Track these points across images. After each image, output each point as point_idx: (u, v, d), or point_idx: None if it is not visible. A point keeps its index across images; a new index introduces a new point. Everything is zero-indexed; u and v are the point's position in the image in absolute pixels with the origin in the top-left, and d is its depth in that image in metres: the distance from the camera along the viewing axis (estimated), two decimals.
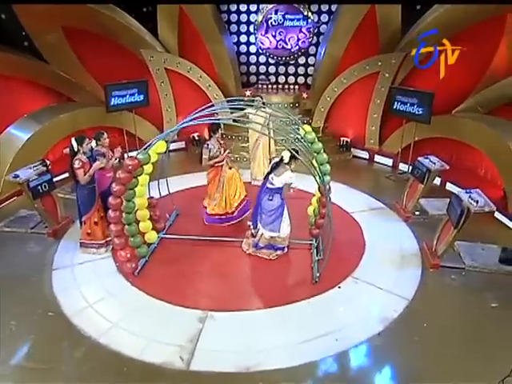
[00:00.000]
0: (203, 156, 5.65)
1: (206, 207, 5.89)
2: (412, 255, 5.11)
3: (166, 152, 5.76)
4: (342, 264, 4.94)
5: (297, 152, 4.64)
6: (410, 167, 6.68)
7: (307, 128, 5.37)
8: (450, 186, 7.05)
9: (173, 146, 9.45)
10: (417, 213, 6.11)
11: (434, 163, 5.72)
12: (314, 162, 5.21)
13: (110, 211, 4.43)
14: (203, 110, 5.40)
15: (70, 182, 6.48)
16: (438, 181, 7.16)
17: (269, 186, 4.90)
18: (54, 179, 7.18)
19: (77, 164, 5.01)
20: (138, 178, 4.72)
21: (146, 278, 4.73)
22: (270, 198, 4.89)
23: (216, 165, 5.67)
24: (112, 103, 7.87)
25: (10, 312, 4.17)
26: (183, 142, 9.48)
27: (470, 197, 4.54)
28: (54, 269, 4.92)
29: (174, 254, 5.22)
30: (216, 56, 9.18)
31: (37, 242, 5.52)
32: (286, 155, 4.70)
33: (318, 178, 4.97)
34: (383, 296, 4.38)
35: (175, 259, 5.10)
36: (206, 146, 5.66)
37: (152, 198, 5.60)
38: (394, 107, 7.47)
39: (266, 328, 3.98)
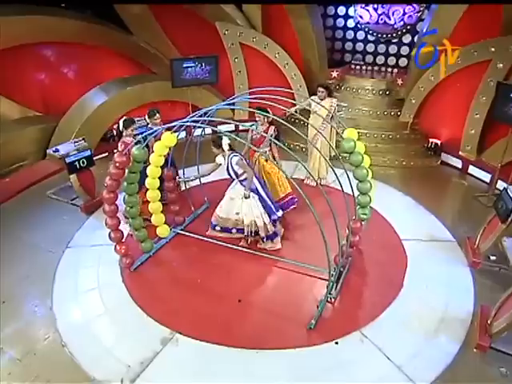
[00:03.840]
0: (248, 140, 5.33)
1: None
2: (457, 320, 3.79)
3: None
4: (356, 311, 3.97)
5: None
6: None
7: (350, 133, 4.24)
8: None
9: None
10: (492, 257, 4.57)
11: None
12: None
13: (105, 205, 4.21)
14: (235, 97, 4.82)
15: None
16: None
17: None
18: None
19: (119, 146, 4.97)
20: (149, 168, 4.44)
21: (138, 276, 4.48)
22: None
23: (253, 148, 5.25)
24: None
25: (10, 278, 4.39)
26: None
27: None
28: (69, 246, 5.01)
29: (180, 254, 4.88)
30: (300, 31, 8.21)
31: (71, 214, 5.72)
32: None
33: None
34: (388, 373, 3.29)
35: (178, 261, 4.76)
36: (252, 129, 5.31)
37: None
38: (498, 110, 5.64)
39: (225, 372, 3.35)
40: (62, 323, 3.86)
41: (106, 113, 7.49)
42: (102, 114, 7.45)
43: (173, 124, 4.03)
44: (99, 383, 3.28)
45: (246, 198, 4.55)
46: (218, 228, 4.93)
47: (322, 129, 5.82)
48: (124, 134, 5.04)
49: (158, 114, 5.43)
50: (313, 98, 6.05)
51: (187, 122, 3.97)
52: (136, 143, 4.09)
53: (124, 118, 5.18)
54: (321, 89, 5.98)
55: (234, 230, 4.85)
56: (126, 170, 4.11)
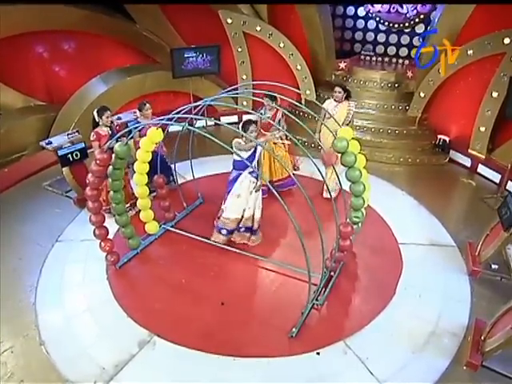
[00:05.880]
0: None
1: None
2: (449, 334, 3.58)
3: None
4: (342, 319, 3.79)
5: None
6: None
7: (345, 132, 3.94)
8: None
9: None
10: (494, 266, 4.31)
11: None
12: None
13: (89, 202, 4.11)
14: (228, 91, 4.65)
15: None
16: None
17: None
18: None
19: (91, 136, 4.96)
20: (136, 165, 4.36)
21: (123, 274, 4.40)
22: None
23: (261, 132, 5.23)
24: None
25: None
26: None
27: None
28: (58, 240, 4.95)
29: (168, 251, 4.76)
30: (306, 20, 7.89)
31: (64, 206, 5.65)
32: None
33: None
34: None
35: (165, 259, 4.65)
36: (259, 114, 5.20)
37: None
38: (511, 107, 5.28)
39: (199, 379, 3.23)
40: (43, 320, 3.81)
41: (106, 103, 7.28)
42: (102, 104, 7.32)
43: (162, 118, 3.88)
44: None
45: (257, 191, 4.45)
46: (224, 232, 4.65)
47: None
48: (100, 123, 4.95)
49: (147, 105, 5.39)
50: (327, 103, 5.34)
51: (171, 119, 3.82)
52: (116, 139, 3.93)
53: (96, 108, 5.10)
54: (338, 89, 5.16)
55: (242, 229, 4.68)
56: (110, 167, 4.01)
